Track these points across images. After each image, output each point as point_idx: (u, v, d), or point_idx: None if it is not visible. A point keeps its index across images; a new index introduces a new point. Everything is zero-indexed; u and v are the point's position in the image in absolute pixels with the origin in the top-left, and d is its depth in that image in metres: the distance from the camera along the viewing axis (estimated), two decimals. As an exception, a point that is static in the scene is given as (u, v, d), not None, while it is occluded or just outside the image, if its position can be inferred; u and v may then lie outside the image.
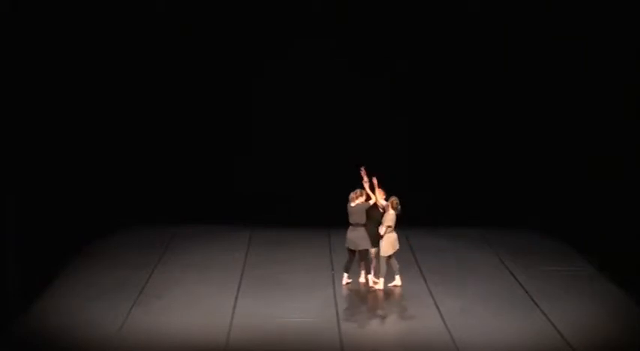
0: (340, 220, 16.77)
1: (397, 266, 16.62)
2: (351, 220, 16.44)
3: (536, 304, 15.96)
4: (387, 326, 15.27)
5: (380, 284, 16.61)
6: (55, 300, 15.98)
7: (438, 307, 15.81)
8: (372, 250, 16.60)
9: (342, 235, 16.90)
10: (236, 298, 16.16)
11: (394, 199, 16.41)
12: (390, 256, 16.52)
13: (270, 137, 20.60)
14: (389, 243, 16.41)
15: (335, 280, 17.01)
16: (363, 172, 16.33)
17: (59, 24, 17.51)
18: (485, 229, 19.95)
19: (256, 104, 20.44)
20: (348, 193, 16.68)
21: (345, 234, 16.60)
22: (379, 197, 16.42)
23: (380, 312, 15.81)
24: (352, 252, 16.58)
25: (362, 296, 16.43)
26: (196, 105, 20.37)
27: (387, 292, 16.57)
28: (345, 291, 16.59)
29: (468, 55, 20.15)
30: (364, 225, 16.39)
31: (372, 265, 16.75)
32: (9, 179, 15.34)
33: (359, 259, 16.64)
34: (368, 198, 16.40)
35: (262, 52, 20.16)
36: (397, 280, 16.70)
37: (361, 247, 16.45)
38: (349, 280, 16.78)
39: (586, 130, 18.97)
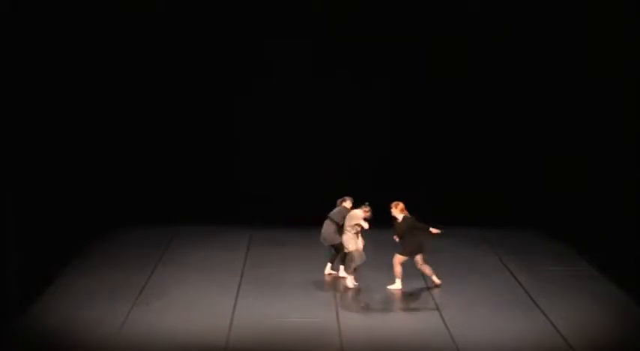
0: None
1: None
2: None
3: (536, 304, 15.95)
4: (387, 326, 15.24)
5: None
6: (55, 300, 15.97)
7: (438, 307, 15.81)
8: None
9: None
10: (236, 298, 16.15)
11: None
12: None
13: (270, 137, 20.57)
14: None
15: (334, 279, 17.04)
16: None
17: (59, 24, 17.48)
18: (485, 229, 19.94)
19: (257, 104, 20.40)
20: (348, 193, 17.03)
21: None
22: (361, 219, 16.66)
23: (380, 312, 15.81)
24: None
25: (362, 296, 16.42)
26: (197, 105, 20.34)
27: (388, 293, 16.57)
28: (347, 290, 16.63)
29: (467, 55, 20.12)
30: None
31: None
32: (9, 179, 15.32)
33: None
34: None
35: (263, 52, 20.14)
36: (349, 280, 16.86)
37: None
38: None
39: (586, 130, 18.94)
